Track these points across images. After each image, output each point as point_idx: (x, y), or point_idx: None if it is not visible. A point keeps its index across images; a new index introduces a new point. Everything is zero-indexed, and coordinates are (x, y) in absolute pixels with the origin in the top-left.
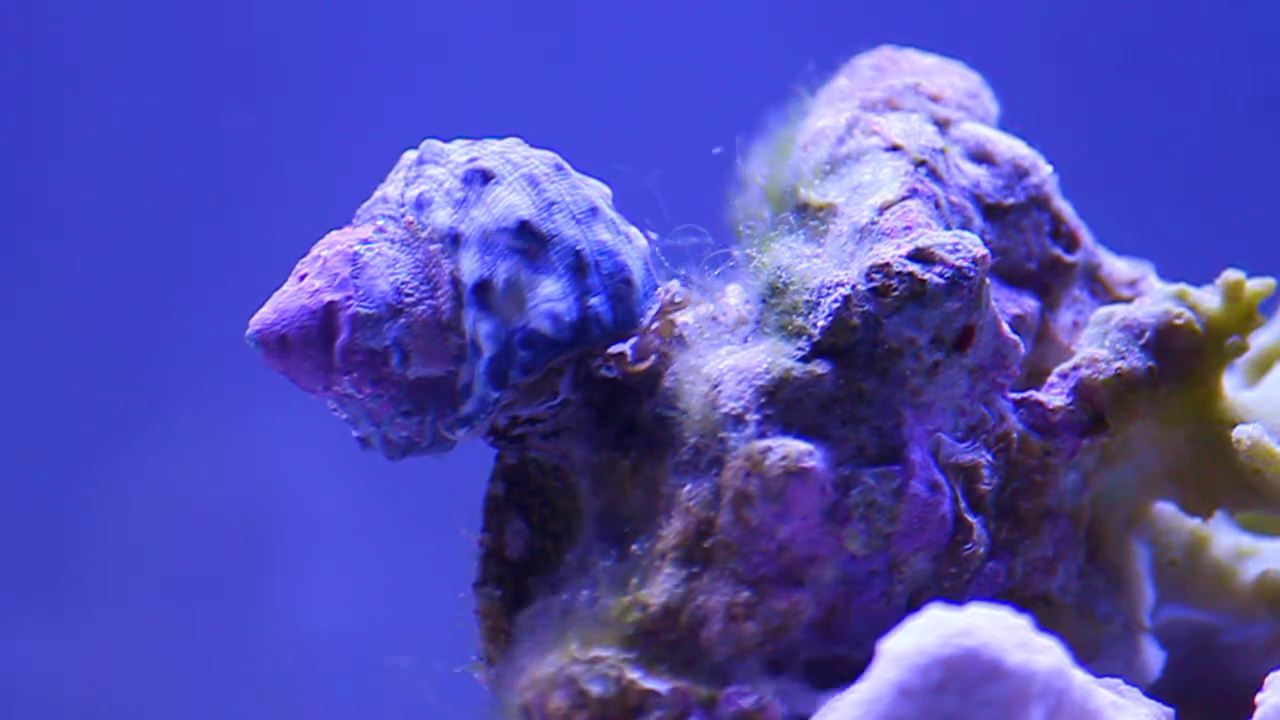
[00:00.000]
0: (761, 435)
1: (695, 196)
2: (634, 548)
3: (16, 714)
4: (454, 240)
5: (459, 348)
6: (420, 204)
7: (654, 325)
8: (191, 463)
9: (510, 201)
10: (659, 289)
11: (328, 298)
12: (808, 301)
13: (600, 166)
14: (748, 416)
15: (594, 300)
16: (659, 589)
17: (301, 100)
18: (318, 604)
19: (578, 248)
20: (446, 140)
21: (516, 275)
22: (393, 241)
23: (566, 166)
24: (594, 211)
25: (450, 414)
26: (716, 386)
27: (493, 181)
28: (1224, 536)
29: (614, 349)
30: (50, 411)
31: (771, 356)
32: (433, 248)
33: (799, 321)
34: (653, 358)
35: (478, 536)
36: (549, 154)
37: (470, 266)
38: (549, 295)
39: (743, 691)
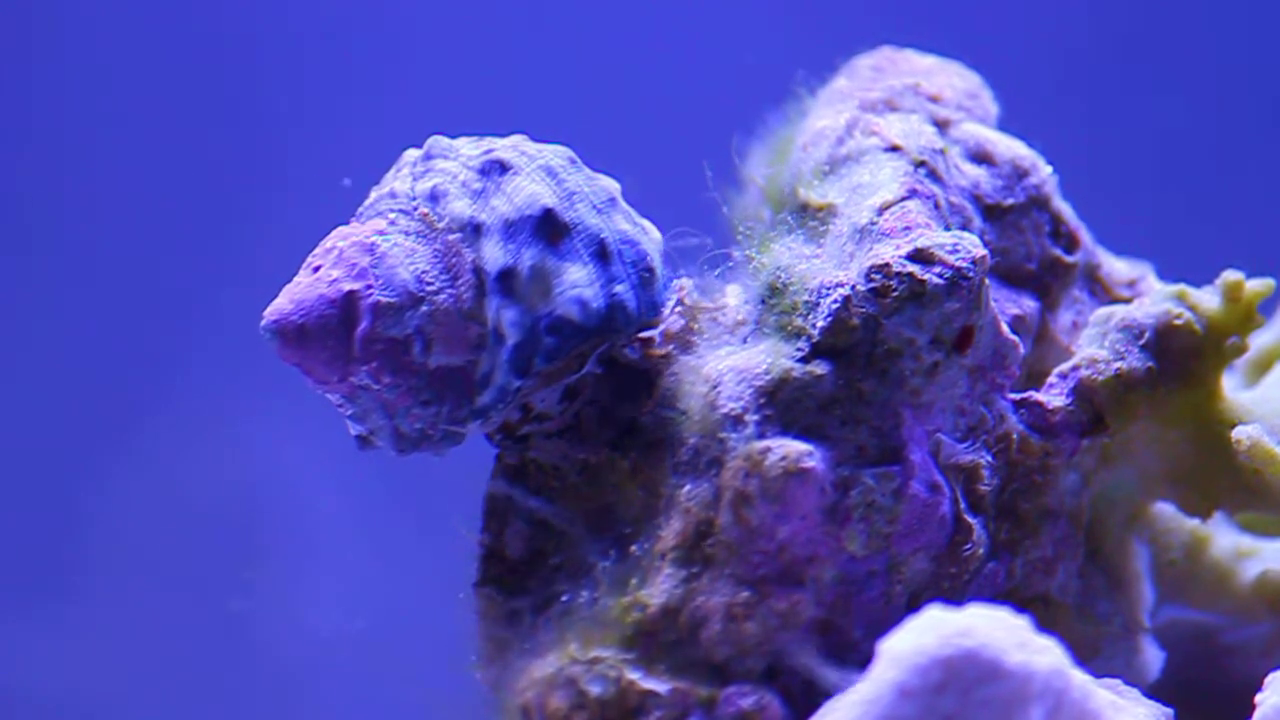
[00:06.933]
0: (761, 435)
1: (694, 197)
2: (633, 548)
3: (16, 714)
4: (475, 230)
5: (479, 337)
6: (435, 196)
7: (678, 309)
8: (191, 462)
9: (532, 191)
10: (674, 282)
11: (347, 287)
12: (807, 302)
13: (600, 166)
14: (747, 417)
15: (619, 288)
16: (658, 589)
17: (301, 104)
18: (317, 604)
19: (601, 236)
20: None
21: (542, 262)
22: (407, 233)
23: (578, 160)
24: (612, 202)
25: (466, 405)
26: (716, 387)
27: (510, 172)
28: (1223, 537)
29: (644, 334)
30: (49, 411)
31: (771, 357)
32: (451, 238)
33: (798, 322)
34: (671, 347)
35: (478, 537)
36: (561, 148)
37: (494, 255)
38: (576, 282)
39: (742, 692)
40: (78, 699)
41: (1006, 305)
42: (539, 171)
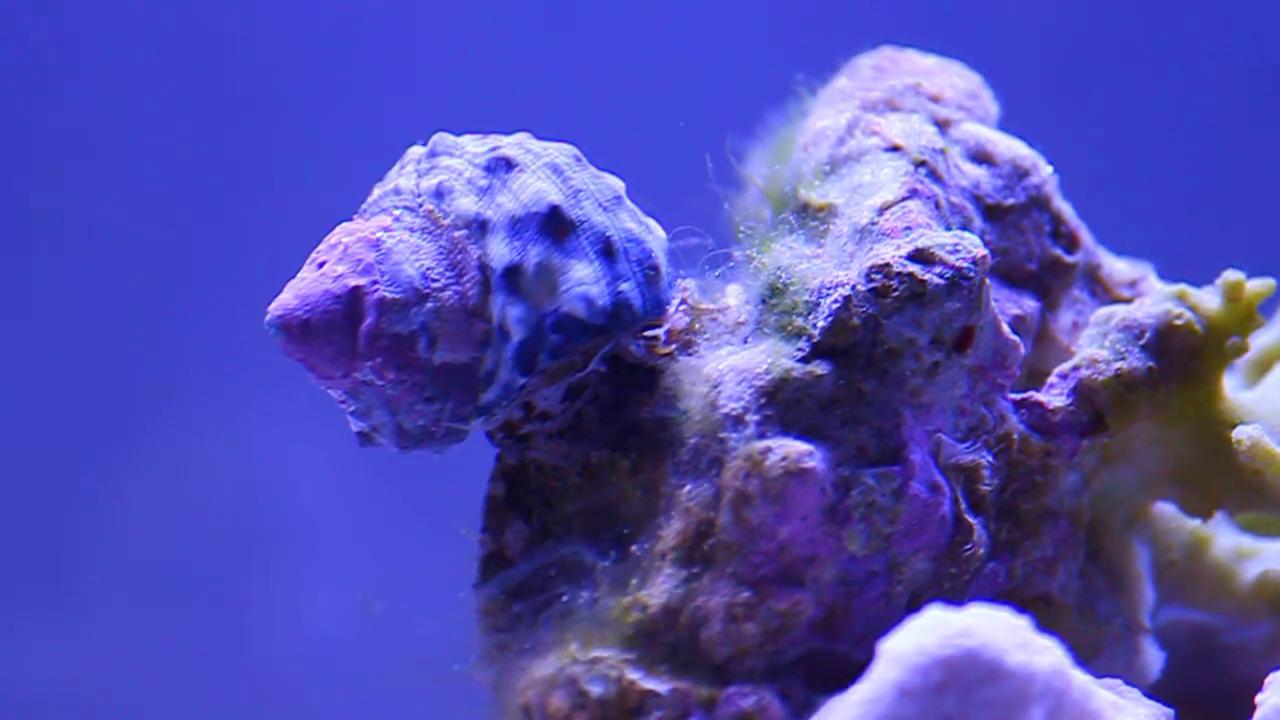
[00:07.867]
0: (761, 436)
1: (695, 197)
2: (634, 548)
3: (17, 714)
4: (481, 226)
5: (484, 333)
6: (440, 193)
7: (682, 308)
8: (192, 463)
9: (538, 188)
10: (677, 281)
11: (352, 282)
12: (808, 302)
13: (601, 165)
14: (748, 417)
15: (625, 286)
16: (659, 589)
17: (304, 102)
18: (318, 604)
19: (607, 234)
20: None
21: (548, 260)
22: (412, 230)
23: (584, 158)
24: (618, 200)
25: (470, 402)
26: (716, 387)
27: (516, 169)
28: (1224, 537)
29: (649, 332)
30: (51, 412)
31: (771, 357)
32: (457, 234)
33: (799, 322)
34: (674, 347)
35: (478, 536)
36: (567, 145)
37: (499, 252)
38: (582, 279)
39: (743, 692)
40: (78, 699)
41: (1007, 305)
42: (545, 169)
